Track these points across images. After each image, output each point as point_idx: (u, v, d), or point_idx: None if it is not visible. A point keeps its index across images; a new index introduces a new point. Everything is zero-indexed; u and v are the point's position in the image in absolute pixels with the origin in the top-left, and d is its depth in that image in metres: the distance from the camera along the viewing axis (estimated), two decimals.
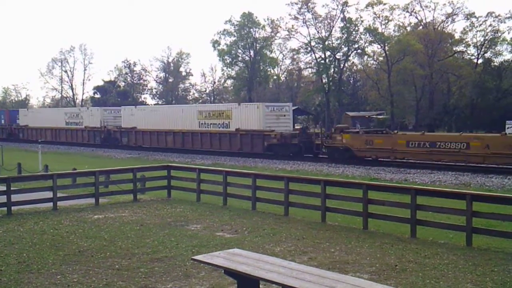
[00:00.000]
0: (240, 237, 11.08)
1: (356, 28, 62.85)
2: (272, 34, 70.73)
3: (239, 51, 72.32)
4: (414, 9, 63.31)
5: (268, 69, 75.56)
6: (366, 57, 67.95)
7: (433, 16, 64.01)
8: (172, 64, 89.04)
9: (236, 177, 15.83)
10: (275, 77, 79.02)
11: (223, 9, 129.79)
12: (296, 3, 63.91)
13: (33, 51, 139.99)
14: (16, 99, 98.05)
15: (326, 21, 64.45)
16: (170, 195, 16.61)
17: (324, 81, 64.67)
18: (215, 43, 71.90)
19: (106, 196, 16.09)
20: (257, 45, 71.26)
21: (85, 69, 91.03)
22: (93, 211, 14.27)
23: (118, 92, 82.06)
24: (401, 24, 65.38)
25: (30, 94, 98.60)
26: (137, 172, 16.61)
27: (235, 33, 70.92)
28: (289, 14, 65.96)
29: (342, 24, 63.17)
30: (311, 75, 74.67)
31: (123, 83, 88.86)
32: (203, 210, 14.28)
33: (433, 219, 11.68)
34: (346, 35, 62.66)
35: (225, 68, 74.68)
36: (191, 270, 8.72)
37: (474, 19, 59.93)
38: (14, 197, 13.95)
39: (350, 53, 64.98)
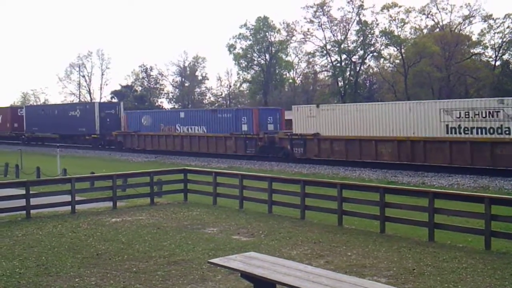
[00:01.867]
0: (257, 241, 11.09)
1: (372, 31, 62.67)
2: (288, 37, 70.88)
3: (255, 54, 72.53)
4: (430, 11, 62.97)
5: (284, 73, 75.64)
6: (382, 60, 67.66)
7: (450, 18, 63.61)
8: (188, 68, 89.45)
9: (252, 180, 15.85)
10: (290, 80, 78.95)
11: (238, 14, 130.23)
12: (312, 7, 64.00)
13: (51, 56, 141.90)
14: (34, 104, 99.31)
15: (341, 24, 64.38)
16: (186, 198, 16.68)
17: (340, 84, 64.50)
18: (231, 47, 72.18)
19: (123, 199, 16.20)
20: (273, 48, 71.36)
21: (102, 74, 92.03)
22: (111, 214, 14.39)
23: (135, 97, 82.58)
24: (417, 27, 65.05)
25: (49, 99, 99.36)
26: (154, 176, 16.72)
27: (250, 37, 71.13)
28: (305, 18, 66.10)
29: (357, 27, 63.03)
30: (326, 78, 74.52)
31: (140, 88, 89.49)
32: (219, 213, 14.32)
33: (451, 223, 11.57)
34: (362, 38, 62.48)
35: (240, 72, 75.02)
36: (208, 273, 8.74)
37: (491, 21, 59.42)
38: (33, 201, 14.12)
39: (366, 56, 64.74)
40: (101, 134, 43.21)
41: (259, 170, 26.77)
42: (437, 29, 64.08)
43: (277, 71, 72.99)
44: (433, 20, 64.37)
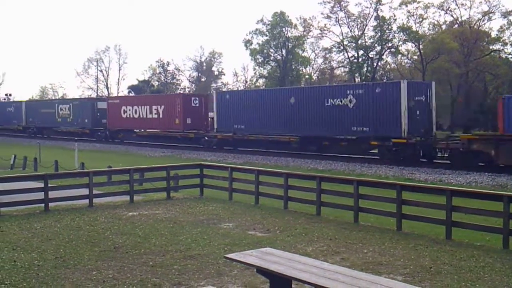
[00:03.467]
0: (272, 236, 11.10)
1: (390, 27, 62.11)
2: (304, 33, 70.56)
3: (271, 50, 72.36)
4: (449, 7, 62.15)
5: (300, 68, 75.36)
6: (400, 56, 67.03)
7: (469, 14, 62.71)
8: (204, 64, 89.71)
9: (268, 176, 15.85)
10: (307, 76, 78.65)
11: (255, 9, 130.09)
12: (329, 2, 63.65)
13: (70, 51, 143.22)
14: (53, 97, 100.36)
15: (359, 20, 63.97)
16: (202, 193, 16.74)
17: (357, 80, 64.08)
18: (247, 43, 72.11)
19: (140, 193, 16.31)
20: (289, 44, 71.12)
21: (120, 69, 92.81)
22: (128, 208, 14.51)
23: (152, 91, 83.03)
24: (436, 23, 64.29)
25: (67, 93, 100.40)
26: (171, 170, 16.81)
27: (267, 32, 70.96)
28: (322, 13, 65.76)
29: (375, 23, 62.57)
30: (343, 74, 74.12)
31: (157, 83, 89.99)
32: (235, 208, 14.35)
33: (469, 221, 11.46)
34: (379, 33, 61.98)
35: (257, 67, 74.91)
36: (224, 268, 8.78)
37: (511, 17, 58.44)
38: (51, 194, 14.28)
39: (383, 52, 64.23)
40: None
41: (275, 165, 26.76)
42: (456, 25, 63.26)
43: (293, 67, 72.77)
44: (451, 16, 63.61)
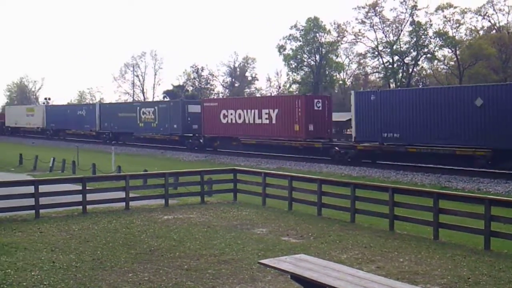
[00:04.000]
0: (306, 243, 11.06)
1: (426, 32, 61.22)
2: (338, 38, 70.20)
3: (305, 55, 72.23)
4: (486, 12, 61.01)
5: (334, 74, 74.95)
6: (436, 61, 65.98)
7: (507, 20, 61.46)
8: (238, 69, 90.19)
9: (302, 182, 15.81)
10: (340, 81, 78.22)
11: (288, 14, 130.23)
12: (363, 7, 63.21)
13: (107, 56, 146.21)
14: (90, 102, 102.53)
15: (394, 25, 63.29)
16: (236, 198, 16.82)
17: (391, 86, 63.32)
18: (281, 48, 72.17)
19: (175, 197, 16.51)
20: (323, 49, 70.85)
21: (155, 74, 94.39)
22: (163, 211, 14.69)
23: (186, 96, 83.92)
24: (473, 28, 63.10)
25: (104, 98, 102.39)
26: (205, 175, 16.95)
27: (300, 38, 70.87)
28: (356, 18, 65.35)
29: (410, 28, 61.74)
30: (378, 79, 73.39)
31: (191, 88, 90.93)
32: (268, 214, 14.36)
33: (508, 231, 11.16)
34: (415, 39, 61.14)
35: (290, 72, 74.87)
36: (257, 273, 8.79)
37: None
38: (89, 196, 14.59)
39: (419, 57, 63.33)
40: None
41: (308, 172, 26.65)
42: (494, 31, 61.96)
43: (327, 72, 72.43)
44: (489, 21, 62.38)
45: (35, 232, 11.90)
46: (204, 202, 16.28)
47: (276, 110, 33.28)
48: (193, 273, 8.89)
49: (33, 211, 13.69)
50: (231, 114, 36.40)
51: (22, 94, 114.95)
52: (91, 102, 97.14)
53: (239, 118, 35.82)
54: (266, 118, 33.82)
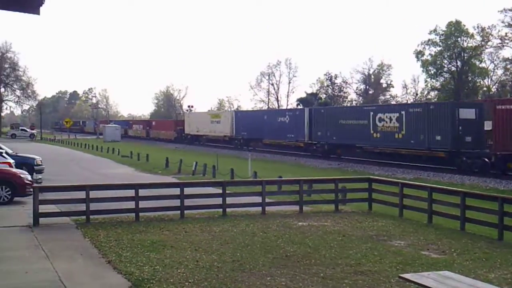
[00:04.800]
0: (448, 259, 10.48)
1: None
2: (482, 42, 65.82)
3: (445, 61, 68.86)
4: None
5: (477, 80, 70.37)
6: None
7: None
8: (372, 76, 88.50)
9: (443, 194, 15.03)
10: (485, 88, 73.15)
11: (426, 19, 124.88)
12: (510, 10, 58.51)
13: (245, 65, 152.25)
14: (229, 109, 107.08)
15: None
16: (371, 208, 16.48)
17: None
18: (419, 54, 69.54)
19: (309, 204, 16.61)
20: (465, 54, 66.90)
21: (289, 82, 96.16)
22: (297, 218, 14.86)
23: (320, 104, 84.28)
24: None
25: (241, 105, 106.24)
26: (339, 183, 16.85)
27: (440, 42, 67.61)
28: (502, 22, 60.79)
29: None
30: None
31: (324, 95, 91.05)
32: (406, 226, 13.86)
33: None
34: None
35: (428, 79, 71.89)
36: None
37: None
38: (229, 200, 15.24)
39: None
40: None
41: (449, 183, 25.22)
42: None
43: (469, 79, 68.27)
44: None
45: (181, 232, 12.69)
46: (338, 210, 16.18)
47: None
48: (329, 281, 8.86)
49: (179, 211, 14.64)
50: None
51: (168, 102, 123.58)
52: (229, 109, 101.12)
53: None
54: None
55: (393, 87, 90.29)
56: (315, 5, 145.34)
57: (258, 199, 15.61)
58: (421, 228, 13.63)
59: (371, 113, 35.26)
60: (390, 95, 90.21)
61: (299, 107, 77.88)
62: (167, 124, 73.46)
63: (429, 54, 68.90)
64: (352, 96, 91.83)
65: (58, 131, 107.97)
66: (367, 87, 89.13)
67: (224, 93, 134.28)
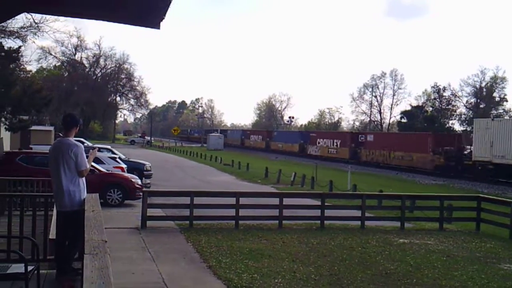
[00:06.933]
0: None
1: None
2: None
3: None
4: None
5: None
6: None
7: None
8: (485, 89, 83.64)
9: None
10: None
11: None
12: None
13: (348, 77, 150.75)
14: (329, 121, 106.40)
15: None
16: (479, 228, 15.58)
17: None
18: None
19: (410, 221, 16.06)
20: None
21: (393, 94, 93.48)
22: (398, 234, 14.41)
23: (425, 117, 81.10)
24: None
25: (342, 117, 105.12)
26: (444, 201, 16.13)
27: None
28: None
29: None
30: None
31: (431, 108, 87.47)
32: None
33: None
34: None
35: None
36: None
37: None
38: (327, 212, 15.13)
39: None
40: None
41: None
42: None
43: None
44: None
45: (278, 242, 12.79)
46: (443, 229, 15.47)
47: None
48: None
49: (277, 221, 14.77)
50: None
51: (270, 113, 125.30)
52: (329, 121, 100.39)
53: None
54: None
55: (506, 101, 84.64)
56: (422, 14, 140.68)
57: (357, 213, 15.36)
58: None
59: None
60: (503, 109, 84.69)
61: (402, 120, 75.51)
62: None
63: None
64: (461, 109, 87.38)
65: (166, 138, 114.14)
66: (478, 100, 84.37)
67: (323, 105, 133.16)
